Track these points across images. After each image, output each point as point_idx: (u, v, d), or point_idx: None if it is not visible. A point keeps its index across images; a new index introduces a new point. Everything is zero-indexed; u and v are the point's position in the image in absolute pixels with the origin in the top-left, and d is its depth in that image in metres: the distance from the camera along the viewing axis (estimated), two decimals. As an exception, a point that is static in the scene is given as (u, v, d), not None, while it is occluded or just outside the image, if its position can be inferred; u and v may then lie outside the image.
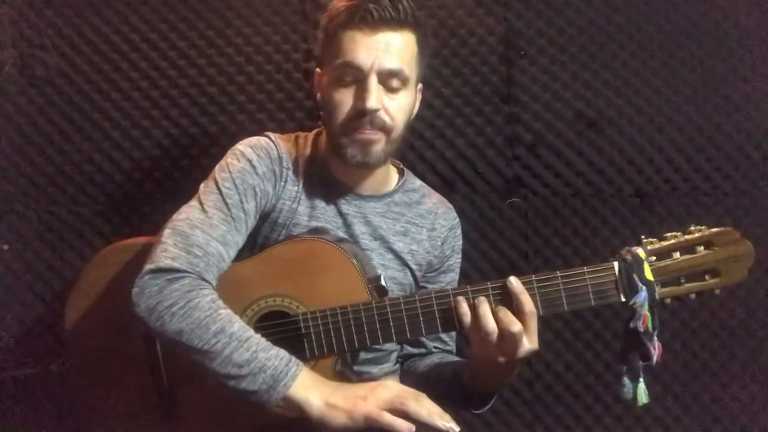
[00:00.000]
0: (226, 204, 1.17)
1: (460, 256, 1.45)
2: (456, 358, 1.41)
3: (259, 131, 1.74)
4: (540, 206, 1.73)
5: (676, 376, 1.72)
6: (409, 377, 1.38)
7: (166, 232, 1.13)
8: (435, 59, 1.69)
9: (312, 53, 1.70)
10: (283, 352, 1.05)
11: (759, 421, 1.72)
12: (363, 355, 1.31)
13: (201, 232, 1.12)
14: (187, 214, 1.15)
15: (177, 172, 1.73)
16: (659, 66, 1.70)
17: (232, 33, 1.72)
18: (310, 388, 1.03)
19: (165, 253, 1.09)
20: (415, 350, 1.42)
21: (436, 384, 1.31)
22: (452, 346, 1.44)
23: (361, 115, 1.17)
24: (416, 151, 1.72)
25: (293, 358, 1.05)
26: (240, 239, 1.19)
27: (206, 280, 1.10)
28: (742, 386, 1.73)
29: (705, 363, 1.72)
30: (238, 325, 1.05)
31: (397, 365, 1.40)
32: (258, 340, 1.05)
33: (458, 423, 1.02)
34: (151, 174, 1.73)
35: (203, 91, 1.72)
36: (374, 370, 1.33)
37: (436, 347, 1.42)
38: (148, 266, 1.08)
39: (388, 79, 1.18)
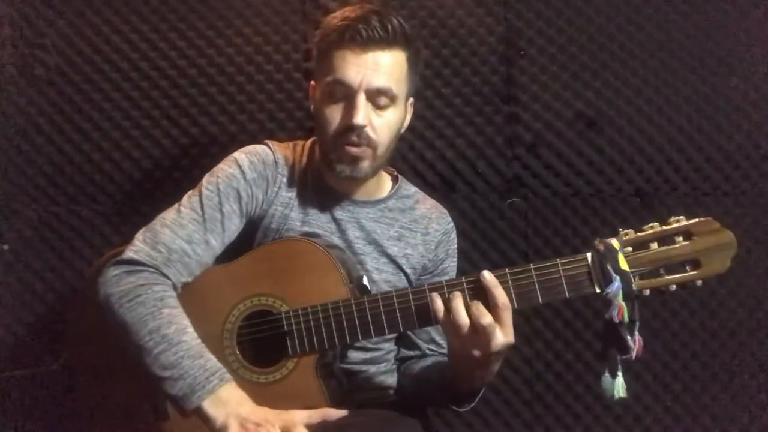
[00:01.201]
0: (202, 205, 1.21)
1: (455, 260, 1.46)
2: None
3: (259, 131, 1.74)
4: (540, 206, 1.73)
5: (675, 376, 1.72)
6: (405, 379, 1.39)
7: (142, 229, 1.19)
8: (435, 59, 1.70)
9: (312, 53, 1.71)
10: (211, 364, 1.05)
11: (759, 421, 1.72)
12: (360, 355, 1.31)
13: (169, 231, 1.17)
14: (164, 214, 1.21)
15: (177, 172, 1.73)
16: (659, 66, 1.70)
17: (232, 33, 1.72)
18: (222, 406, 1.02)
19: (131, 247, 1.16)
20: (411, 352, 1.42)
21: (427, 385, 1.33)
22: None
23: (348, 130, 1.20)
24: (416, 151, 1.72)
25: (219, 372, 1.05)
26: (212, 238, 1.20)
27: (166, 275, 1.13)
28: (742, 386, 1.73)
29: (705, 363, 1.72)
30: (175, 328, 1.07)
31: (395, 365, 1.41)
32: (189, 346, 1.06)
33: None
34: (151, 174, 1.73)
35: (203, 91, 1.72)
36: (372, 369, 1.34)
37: (430, 349, 1.41)
38: (115, 257, 1.14)
39: (377, 96, 1.20)
